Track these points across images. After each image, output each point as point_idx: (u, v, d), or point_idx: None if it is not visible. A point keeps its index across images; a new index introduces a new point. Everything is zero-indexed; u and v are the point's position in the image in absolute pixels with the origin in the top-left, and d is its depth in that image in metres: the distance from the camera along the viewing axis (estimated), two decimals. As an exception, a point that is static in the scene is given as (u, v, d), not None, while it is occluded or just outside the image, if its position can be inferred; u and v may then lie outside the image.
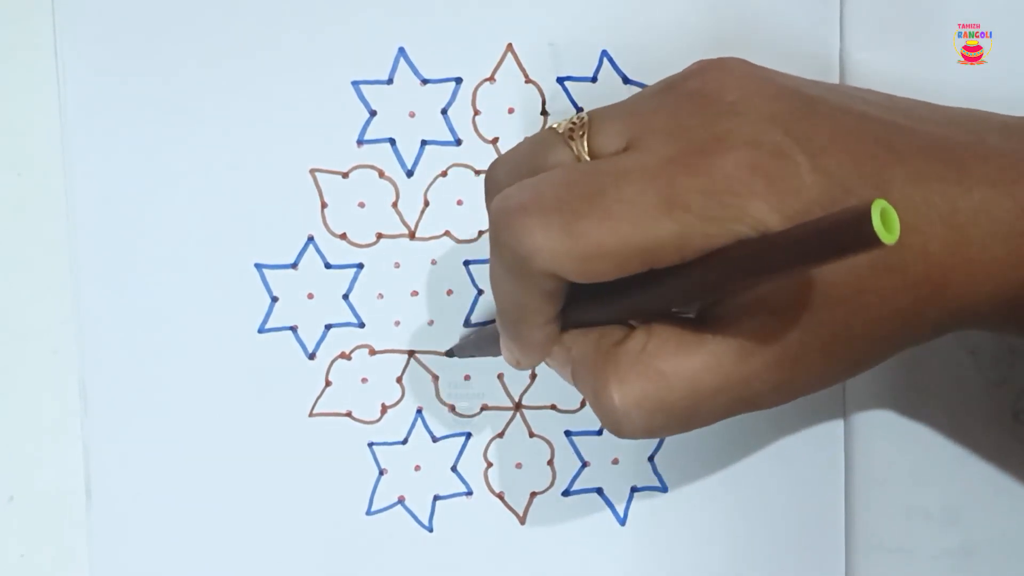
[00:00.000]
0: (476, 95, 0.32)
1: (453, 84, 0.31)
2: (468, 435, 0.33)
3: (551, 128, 0.25)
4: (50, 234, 0.32)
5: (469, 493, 0.33)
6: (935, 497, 0.33)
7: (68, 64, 0.31)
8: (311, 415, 0.32)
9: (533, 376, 0.33)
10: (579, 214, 0.22)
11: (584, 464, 0.33)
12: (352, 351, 0.32)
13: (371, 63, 0.31)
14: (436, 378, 0.33)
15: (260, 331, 0.32)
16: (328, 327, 0.32)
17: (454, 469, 0.33)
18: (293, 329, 0.32)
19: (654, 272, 0.22)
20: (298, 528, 0.32)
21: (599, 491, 0.33)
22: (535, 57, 0.31)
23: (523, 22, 0.31)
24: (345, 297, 0.32)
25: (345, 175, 0.32)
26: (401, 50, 0.31)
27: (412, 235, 0.32)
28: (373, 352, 0.32)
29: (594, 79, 0.32)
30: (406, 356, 0.33)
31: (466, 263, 0.32)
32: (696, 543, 0.33)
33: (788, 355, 0.23)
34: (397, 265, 0.32)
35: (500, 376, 0.33)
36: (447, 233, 0.32)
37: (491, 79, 0.32)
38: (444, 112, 0.32)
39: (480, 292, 0.32)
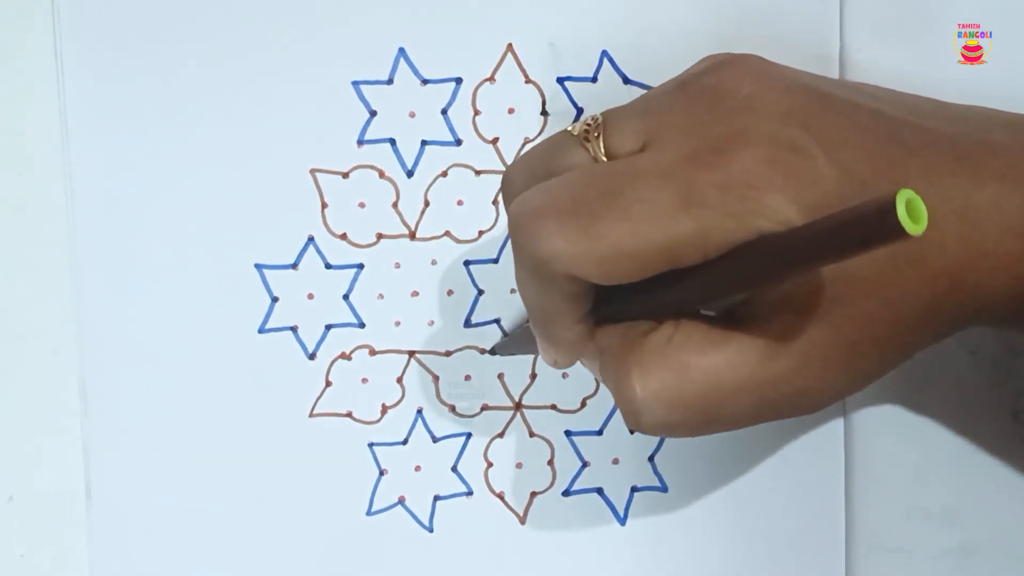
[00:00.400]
0: (476, 95, 0.32)
1: (453, 84, 0.31)
2: (468, 435, 0.33)
3: (566, 131, 0.25)
4: (50, 234, 0.32)
5: (469, 493, 0.33)
6: (935, 497, 0.33)
7: (68, 64, 0.31)
8: (311, 415, 0.32)
9: (533, 376, 0.33)
10: (597, 216, 0.21)
11: (584, 464, 0.33)
12: (352, 351, 0.32)
13: (371, 63, 0.31)
14: (436, 378, 0.33)
15: (260, 331, 0.32)
16: (328, 327, 0.32)
17: (454, 469, 0.33)
18: (293, 329, 0.32)
19: (677, 272, 0.22)
20: (298, 529, 0.32)
21: (599, 491, 0.33)
22: (535, 57, 0.31)
23: (523, 22, 0.31)
24: (345, 297, 0.32)
25: (345, 175, 0.32)
26: (401, 50, 0.31)
27: (412, 235, 0.32)
28: (373, 352, 0.32)
29: (594, 79, 0.32)
30: (406, 356, 0.33)
31: (466, 263, 0.32)
32: (696, 543, 0.33)
33: (814, 356, 0.22)
34: (397, 265, 0.32)
35: (500, 376, 0.33)
36: (447, 233, 0.32)
37: (491, 79, 0.32)
38: (444, 112, 0.32)
39: (480, 292, 0.32)
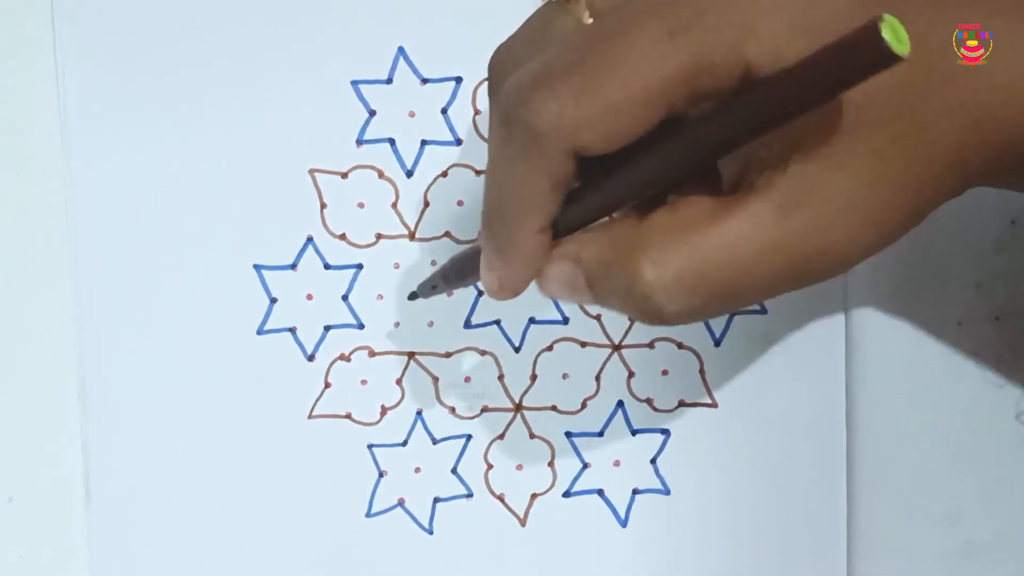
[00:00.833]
0: (476, 95, 0.32)
1: (453, 84, 0.31)
2: (468, 437, 0.33)
3: (549, 1, 0.24)
4: (50, 234, 0.32)
5: (469, 495, 0.33)
6: (937, 498, 0.33)
7: (68, 64, 0.31)
8: (310, 417, 0.32)
9: (533, 377, 0.33)
10: (591, 70, 0.21)
11: (585, 465, 0.33)
12: (351, 352, 0.32)
13: (371, 63, 0.31)
14: (436, 380, 0.33)
15: (259, 332, 0.32)
16: (327, 328, 0.32)
17: (454, 471, 0.33)
18: (292, 330, 0.32)
19: (675, 132, 0.21)
20: (298, 530, 0.32)
21: (600, 492, 0.33)
22: (535, 57, 0.31)
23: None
24: (344, 298, 0.32)
25: (344, 175, 0.32)
26: (401, 50, 0.31)
27: (412, 235, 0.32)
28: (373, 353, 0.32)
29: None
30: (406, 357, 0.32)
31: (466, 264, 0.32)
32: (698, 544, 0.33)
33: (831, 207, 0.21)
34: (397, 266, 0.32)
35: (500, 377, 0.33)
36: (447, 233, 0.32)
37: (491, 79, 0.31)
38: (444, 112, 0.32)
39: (480, 293, 0.32)
